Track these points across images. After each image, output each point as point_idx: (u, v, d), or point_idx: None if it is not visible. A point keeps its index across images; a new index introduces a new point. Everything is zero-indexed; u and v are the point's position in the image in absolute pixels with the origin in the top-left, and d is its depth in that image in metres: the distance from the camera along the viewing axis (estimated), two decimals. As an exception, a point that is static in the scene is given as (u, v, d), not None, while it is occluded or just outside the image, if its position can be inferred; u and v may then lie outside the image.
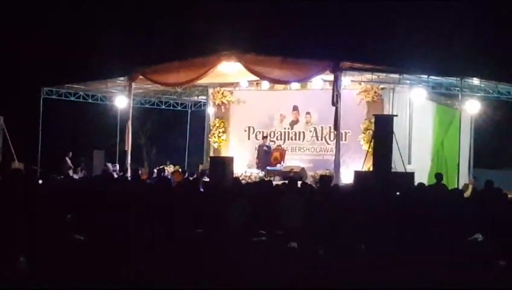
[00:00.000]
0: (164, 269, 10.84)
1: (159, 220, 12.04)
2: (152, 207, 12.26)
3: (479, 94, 23.36)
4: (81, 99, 27.34)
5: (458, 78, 20.77)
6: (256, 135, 24.97)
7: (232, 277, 10.45)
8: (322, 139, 24.18)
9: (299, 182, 14.89)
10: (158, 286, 10.47)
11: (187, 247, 11.52)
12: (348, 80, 22.27)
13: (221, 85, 25.42)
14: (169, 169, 24.87)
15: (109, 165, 25.63)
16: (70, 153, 26.63)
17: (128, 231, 11.59)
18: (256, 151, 24.17)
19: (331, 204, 11.99)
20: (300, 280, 10.48)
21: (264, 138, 24.36)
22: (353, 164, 21.65)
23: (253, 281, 10.29)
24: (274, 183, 15.67)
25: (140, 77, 23.73)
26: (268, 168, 23.36)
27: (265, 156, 23.81)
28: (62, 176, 17.78)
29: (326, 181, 13.92)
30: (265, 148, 24.00)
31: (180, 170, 24.71)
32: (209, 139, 25.91)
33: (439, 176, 15.94)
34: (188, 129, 30.74)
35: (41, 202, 11.87)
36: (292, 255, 11.33)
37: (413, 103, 22.94)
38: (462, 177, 22.01)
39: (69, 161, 26.20)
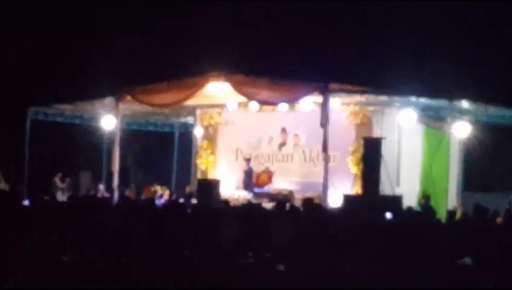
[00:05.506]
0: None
1: (145, 240, 11.98)
2: (139, 227, 12.20)
3: (468, 117, 23.36)
4: (67, 120, 27.29)
5: (447, 101, 20.78)
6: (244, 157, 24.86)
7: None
8: (310, 162, 24.10)
9: (287, 204, 14.78)
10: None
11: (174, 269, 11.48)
12: (336, 102, 22.23)
13: (210, 106, 25.34)
14: (158, 190, 24.86)
15: (101, 186, 25.64)
16: (60, 174, 26.55)
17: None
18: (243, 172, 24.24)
19: (319, 226, 11.94)
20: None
21: (247, 160, 24.34)
22: (341, 187, 21.58)
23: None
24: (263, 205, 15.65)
25: (128, 97, 23.59)
26: (256, 190, 23.28)
27: (247, 177, 23.90)
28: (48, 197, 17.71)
29: (310, 204, 13.86)
30: (247, 169, 24.05)
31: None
32: (197, 161, 25.81)
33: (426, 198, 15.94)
34: (176, 150, 30.62)
35: (26, 221, 11.83)
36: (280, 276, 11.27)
37: (402, 126, 22.88)
38: (450, 201, 21.95)
39: (58, 182, 26.15)
